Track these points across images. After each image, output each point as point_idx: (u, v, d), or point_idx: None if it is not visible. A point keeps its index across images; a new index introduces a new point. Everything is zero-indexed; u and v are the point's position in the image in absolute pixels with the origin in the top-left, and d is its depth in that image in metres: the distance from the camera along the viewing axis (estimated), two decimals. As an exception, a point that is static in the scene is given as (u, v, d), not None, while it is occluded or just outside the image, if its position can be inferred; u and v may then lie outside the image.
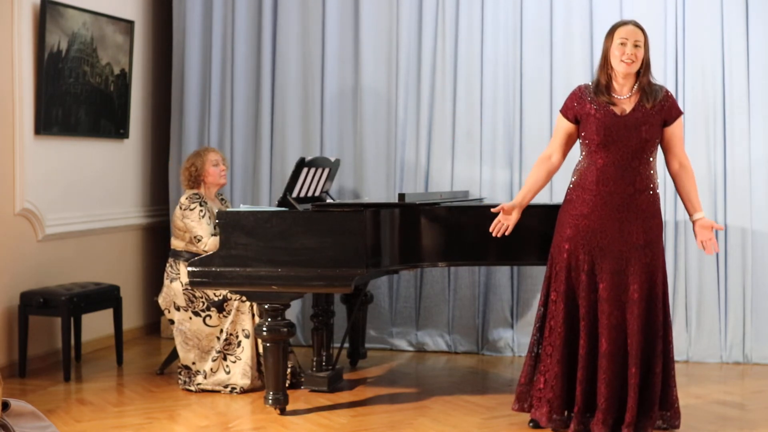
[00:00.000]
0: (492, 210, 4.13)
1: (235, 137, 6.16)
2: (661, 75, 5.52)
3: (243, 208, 4.50)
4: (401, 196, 4.51)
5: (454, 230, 4.51)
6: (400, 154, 5.91)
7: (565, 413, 4.00)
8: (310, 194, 5.03)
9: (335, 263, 4.16)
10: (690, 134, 5.52)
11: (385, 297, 5.92)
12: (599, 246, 3.92)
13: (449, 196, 5.23)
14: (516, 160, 5.74)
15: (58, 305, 5.04)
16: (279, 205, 4.61)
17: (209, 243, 4.82)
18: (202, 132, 6.21)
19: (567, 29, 5.67)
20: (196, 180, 5.03)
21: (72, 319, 5.17)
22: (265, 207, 5.12)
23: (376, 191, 5.90)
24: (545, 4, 5.70)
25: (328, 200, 5.30)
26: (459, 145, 5.83)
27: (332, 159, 5.31)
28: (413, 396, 4.73)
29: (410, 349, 5.90)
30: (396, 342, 5.92)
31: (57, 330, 5.33)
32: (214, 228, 4.89)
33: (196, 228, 4.86)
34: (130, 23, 5.94)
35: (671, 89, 5.51)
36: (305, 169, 4.79)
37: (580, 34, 5.65)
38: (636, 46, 3.89)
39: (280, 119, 6.08)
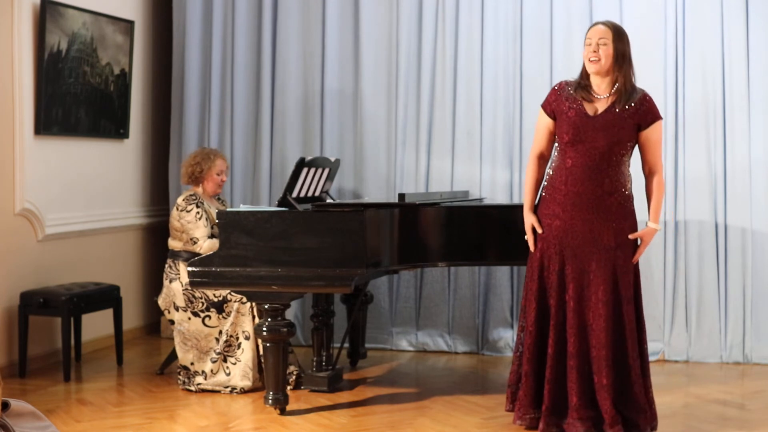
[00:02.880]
0: (529, 239, 4.05)
1: (235, 137, 6.16)
2: (661, 75, 5.53)
3: (243, 208, 4.50)
4: (401, 196, 4.51)
5: (454, 230, 4.50)
6: (400, 154, 5.91)
7: (536, 411, 4.00)
8: (310, 194, 5.03)
9: (335, 263, 4.16)
10: (690, 134, 5.52)
11: (385, 297, 5.92)
12: (569, 246, 3.93)
13: (449, 196, 5.23)
14: (516, 160, 5.74)
15: (58, 305, 5.04)
16: (279, 205, 4.61)
17: (204, 246, 4.83)
18: (202, 132, 6.21)
19: (567, 29, 5.67)
20: (196, 179, 5.03)
21: (72, 319, 5.17)
22: (265, 207, 5.12)
23: (376, 191, 5.90)
24: (545, 4, 5.70)
25: (328, 200, 5.30)
26: (459, 145, 5.83)
27: (332, 159, 5.31)
28: (413, 396, 4.73)
29: (410, 349, 5.90)
30: (396, 342, 5.92)
31: (57, 330, 5.33)
32: (212, 228, 4.90)
33: (192, 229, 4.87)
34: (130, 23, 5.94)
35: (671, 89, 5.52)
36: (305, 169, 4.79)
37: (580, 34, 5.63)
38: (602, 44, 3.90)
39: (280, 119, 6.08)
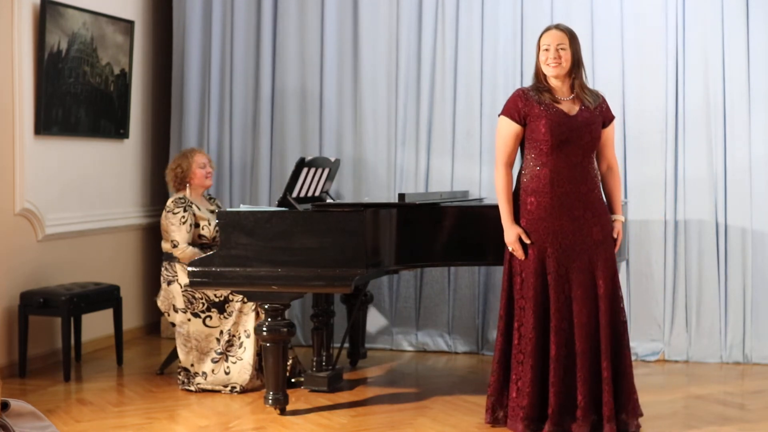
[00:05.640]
0: (517, 251, 4.01)
1: (235, 137, 6.16)
2: (662, 74, 5.53)
3: (243, 208, 4.50)
4: (401, 196, 4.51)
5: (454, 230, 4.51)
6: (399, 154, 5.91)
7: (541, 418, 3.97)
8: (309, 194, 5.04)
9: (335, 263, 4.16)
10: (690, 134, 5.52)
11: (385, 297, 5.92)
12: (562, 247, 3.95)
13: (449, 196, 5.23)
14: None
15: (58, 305, 5.04)
16: (279, 205, 4.61)
17: (186, 251, 4.82)
18: (202, 132, 6.21)
19: (567, 29, 5.67)
20: (182, 181, 5.04)
21: (72, 319, 5.17)
22: (265, 207, 5.12)
23: (376, 191, 5.90)
24: (545, 4, 5.70)
25: (328, 200, 5.30)
26: (459, 145, 5.83)
27: (332, 159, 5.31)
28: (413, 396, 4.73)
29: (410, 349, 5.90)
30: (396, 342, 5.92)
31: (57, 330, 5.33)
32: (200, 227, 4.91)
33: (174, 232, 4.86)
34: (130, 23, 5.94)
35: (671, 89, 5.53)
36: (305, 169, 4.80)
37: (581, 34, 5.55)
38: (561, 49, 3.97)
39: (280, 119, 6.08)
